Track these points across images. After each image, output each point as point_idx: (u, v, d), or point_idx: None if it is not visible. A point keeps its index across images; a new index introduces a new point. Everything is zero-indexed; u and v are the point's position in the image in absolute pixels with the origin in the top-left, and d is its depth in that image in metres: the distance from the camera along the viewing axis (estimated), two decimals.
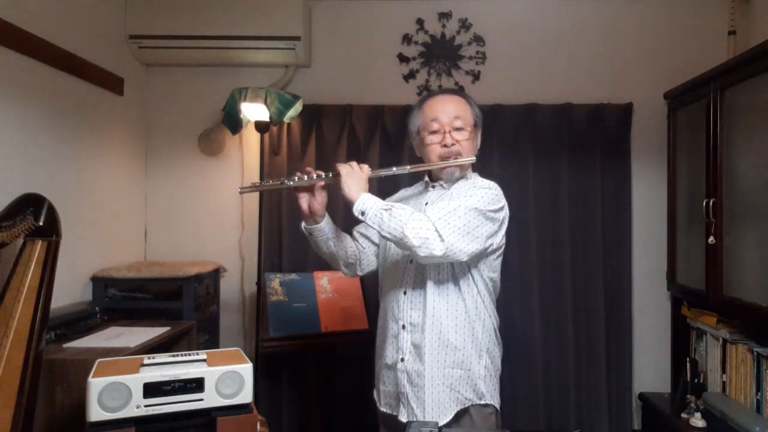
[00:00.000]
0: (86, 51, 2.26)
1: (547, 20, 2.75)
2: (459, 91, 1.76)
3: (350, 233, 1.74)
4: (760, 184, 1.94)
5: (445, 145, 1.59)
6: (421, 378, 1.53)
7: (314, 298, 2.41)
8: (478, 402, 1.55)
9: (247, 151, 2.79)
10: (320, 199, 1.58)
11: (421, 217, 1.44)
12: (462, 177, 1.66)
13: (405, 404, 1.55)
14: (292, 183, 1.55)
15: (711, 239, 2.16)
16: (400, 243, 1.45)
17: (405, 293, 1.59)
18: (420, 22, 2.77)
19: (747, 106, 2.05)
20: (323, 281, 2.47)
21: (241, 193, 1.65)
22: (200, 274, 2.45)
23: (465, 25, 2.76)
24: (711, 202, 2.16)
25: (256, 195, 2.62)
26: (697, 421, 2.19)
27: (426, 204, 1.65)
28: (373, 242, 1.74)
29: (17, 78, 1.90)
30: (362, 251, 1.73)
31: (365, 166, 1.57)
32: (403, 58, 2.78)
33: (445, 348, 1.54)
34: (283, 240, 2.67)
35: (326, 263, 2.63)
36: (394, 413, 1.61)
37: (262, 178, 2.58)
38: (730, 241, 2.10)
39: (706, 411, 2.22)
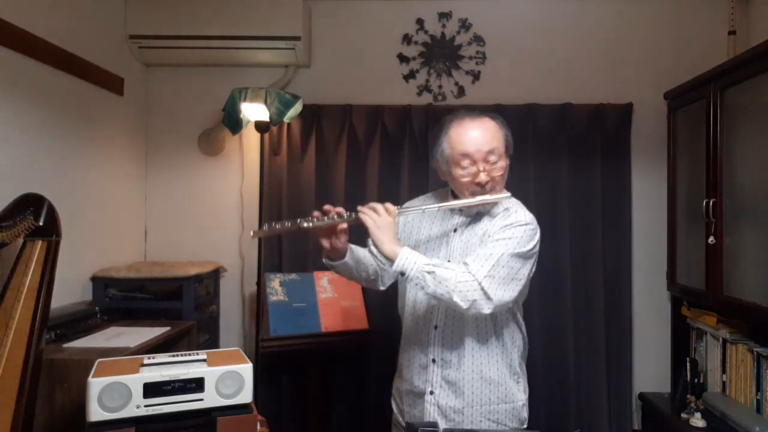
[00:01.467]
0: (86, 51, 2.26)
1: (547, 20, 2.75)
2: (489, 114, 1.57)
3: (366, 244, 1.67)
4: (760, 184, 1.94)
5: (480, 183, 1.48)
6: (459, 415, 1.51)
7: (314, 298, 2.41)
8: (520, 428, 1.55)
9: (247, 151, 2.79)
10: (344, 239, 1.52)
11: (466, 279, 1.37)
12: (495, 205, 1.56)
13: None
14: (309, 225, 1.46)
15: (711, 239, 2.16)
16: (446, 304, 1.40)
17: (436, 327, 1.55)
18: (420, 22, 2.77)
19: (747, 106, 2.05)
20: (323, 281, 2.47)
21: (253, 237, 1.55)
22: (200, 274, 2.45)
23: (465, 25, 2.76)
24: (711, 202, 2.16)
25: (257, 195, 2.61)
26: (697, 421, 2.18)
27: (455, 231, 1.57)
28: None
29: (17, 78, 1.89)
30: (382, 268, 1.67)
31: (391, 207, 1.46)
32: (403, 58, 2.78)
33: (488, 386, 1.52)
34: (283, 240, 2.67)
35: None
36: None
37: (262, 178, 2.58)
38: (730, 241, 2.10)
39: (706, 411, 2.21)
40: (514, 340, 1.57)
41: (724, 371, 2.23)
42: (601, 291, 2.62)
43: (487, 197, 1.49)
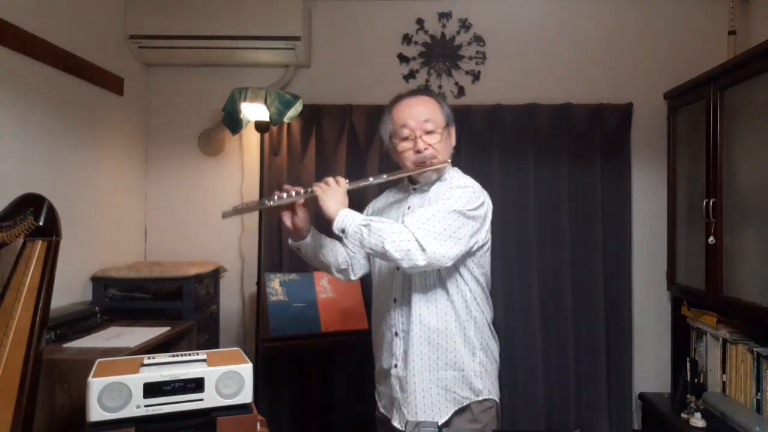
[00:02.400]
0: (86, 51, 2.26)
1: (547, 20, 2.75)
2: (426, 91, 1.75)
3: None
4: (760, 184, 1.94)
5: (418, 151, 1.58)
6: (410, 383, 1.54)
7: (314, 298, 2.41)
8: (476, 399, 1.56)
9: (247, 151, 2.79)
10: (302, 215, 1.59)
11: (400, 229, 1.42)
12: (439, 178, 1.64)
13: (397, 409, 1.58)
14: (271, 203, 1.56)
15: (711, 239, 2.16)
16: (383, 257, 1.45)
17: (395, 300, 1.60)
18: (420, 22, 2.77)
19: (747, 106, 2.05)
20: (323, 281, 2.47)
21: (223, 217, 1.61)
22: (200, 274, 2.45)
23: (465, 25, 2.76)
24: (711, 202, 2.16)
25: (257, 195, 2.61)
26: (697, 421, 2.18)
27: (408, 208, 1.64)
28: None
29: (17, 78, 1.89)
30: (353, 257, 1.74)
31: (342, 179, 1.55)
32: (403, 58, 2.78)
33: (436, 351, 1.54)
34: (283, 240, 2.66)
35: None
36: (389, 416, 1.63)
37: (262, 178, 2.58)
38: (730, 241, 2.10)
39: (706, 411, 2.21)
40: (470, 311, 1.57)
41: (724, 371, 2.23)
42: (601, 291, 2.62)
43: (429, 166, 1.58)
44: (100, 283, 2.32)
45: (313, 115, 2.69)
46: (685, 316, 2.53)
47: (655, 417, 2.52)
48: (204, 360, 1.42)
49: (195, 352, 1.50)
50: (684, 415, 2.25)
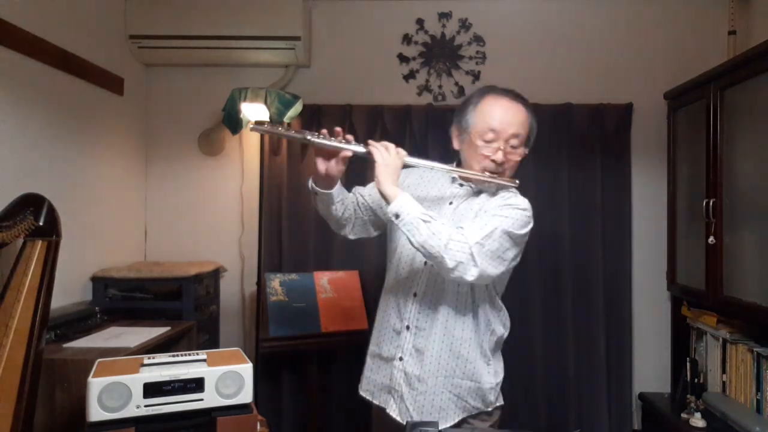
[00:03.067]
0: (86, 51, 2.26)
1: (547, 20, 2.75)
2: (523, 98, 1.58)
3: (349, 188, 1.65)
4: (760, 184, 1.94)
5: (495, 161, 1.48)
6: (423, 383, 1.51)
7: (314, 298, 2.41)
8: (485, 410, 1.55)
9: (247, 151, 2.79)
10: (341, 167, 1.49)
11: (459, 238, 1.35)
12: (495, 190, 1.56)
13: (397, 401, 1.55)
14: (314, 139, 1.41)
15: (711, 239, 2.16)
16: (429, 257, 1.38)
17: (415, 295, 1.55)
18: (420, 22, 2.77)
19: (747, 106, 2.05)
20: (323, 281, 2.47)
21: (252, 130, 1.47)
22: (200, 274, 2.45)
23: (465, 25, 2.76)
24: (711, 202, 2.16)
25: (257, 195, 2.61)
26: (697, 421, 2.18)
27: (450, 203, 1.56)
28: (374, 213, 1.66)
29: (17, 78, 1.89)
30: (359, 217, 1.66)
31: (402, 151, 1.45)
32: (403, 58, 2.78)
33: (456, 359, 1.51)
34: (283, 240, 2.67)
35: (326, 263, 2.63)
36: (376, 401, 1.61)
37: (262, 178, 2.58)
38: (730, 241, 2.10)
39: (706, 411, 2.22)
40: (490, 323, 1.55)
41: (724, 371, 2.23)
42: (601, 291, 2.62)
43: (497, 178, 1.49)
44: (100, 283, 2.32)
45: (313, 115, 2.69)
46: (685, 316, 2.53)
47: (655, 417, 2.52)
48: (204, 360, 1.42)
49: (195, 352, 1.50)
50: (684, 415, 2.25)
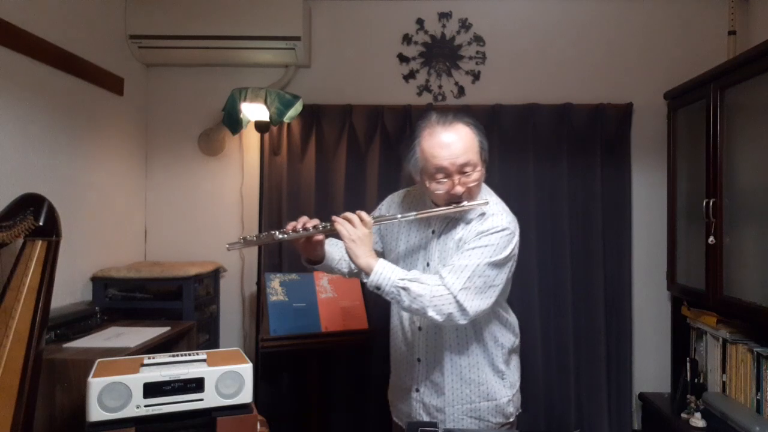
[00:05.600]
0: (86, 51, 2.26)
1: (547, 20, 2.75)
2: (462, 119, 1.48)
3: None
4: (760, 184, 1.94)
5: (455, 195, 1.44)
6: (441, 413, 1.54)
7: (314, 298, 2.41)
8: (507, 422, 1.58)
9: (247, 151, 2.79)
10: (319, 248, 1.53)
11: (440, 293, 1.36)
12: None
13: None
14: (284, 237, 1.46)
15: (711, 239, 2.16)
16: (422, 316, 1.42)
17: (420, 329, 1.57)
18: (420, 22, 2.77)
19: (747, 106, 2.05)
20: (323, 281, 2.47)
21: (228, 249, 1.52)
22: (200, 274, 2.45)
23: (465, 25, 2.76)
24: (711, 202, 2.16)
25: (257, 195, 2.61)
26: (697, 421, 2.18)
27: (433, 232, 1.55)
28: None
29: (17, 78, 1.89)
30: None
31: (366, 216, 1.44)
32: (403, 58, 2.78)
33: (469, 386, 1.54)
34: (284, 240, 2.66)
35: None
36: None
37: (262, 178, 2.58)
38: (730, 241, 2.10)
39: (706, 411, 2.21)
40: (497, 338, 1.56)
41: (724, 371, 2.23)
42: (601, 291, 2.62)
43: (465, 204, 1.46)
44: (100, 283, 2.32)
45: (313, 115, 2.69)
46: (685, 316, 2.53)
47: (655, 417, 2.52)
48: (204, 360, 1.42)
49: (195, 352, 1.50)
50: (684, 415, 2.26)
